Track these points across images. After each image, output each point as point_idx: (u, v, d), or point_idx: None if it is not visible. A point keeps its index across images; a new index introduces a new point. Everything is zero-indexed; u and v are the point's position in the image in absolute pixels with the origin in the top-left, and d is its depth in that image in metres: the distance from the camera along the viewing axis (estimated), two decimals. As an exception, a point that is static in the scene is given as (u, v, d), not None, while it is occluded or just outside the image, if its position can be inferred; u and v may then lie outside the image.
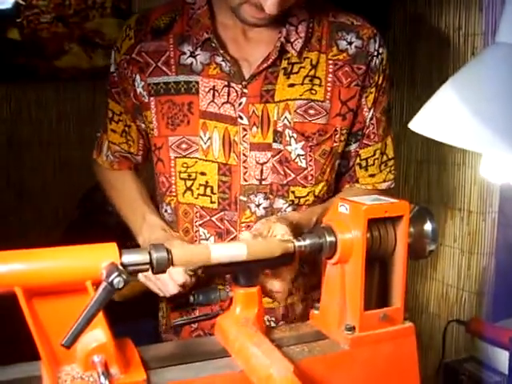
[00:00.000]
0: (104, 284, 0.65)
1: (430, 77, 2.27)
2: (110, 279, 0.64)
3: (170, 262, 0.73)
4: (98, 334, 0.70)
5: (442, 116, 0.65)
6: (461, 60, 2.13)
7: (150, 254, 0.72)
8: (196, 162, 1.18)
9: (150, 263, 0.72)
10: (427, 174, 2.34)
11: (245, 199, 1.18)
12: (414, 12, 2.34)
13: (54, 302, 0.70)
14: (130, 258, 0.71)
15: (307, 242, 0.83)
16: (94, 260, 0.69)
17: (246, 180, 1.17)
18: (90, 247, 0.71)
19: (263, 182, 1.17)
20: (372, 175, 1.29)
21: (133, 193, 1.30)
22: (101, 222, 2.77)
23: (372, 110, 1.23)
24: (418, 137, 2.45)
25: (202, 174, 1.18)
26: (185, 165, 1.19)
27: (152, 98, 1.19)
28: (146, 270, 0.72)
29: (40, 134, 2.95)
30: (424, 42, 2.29)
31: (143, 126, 1.24)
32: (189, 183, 1.19)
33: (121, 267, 0.67)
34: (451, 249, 2.24)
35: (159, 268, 0.72)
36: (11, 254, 0.68)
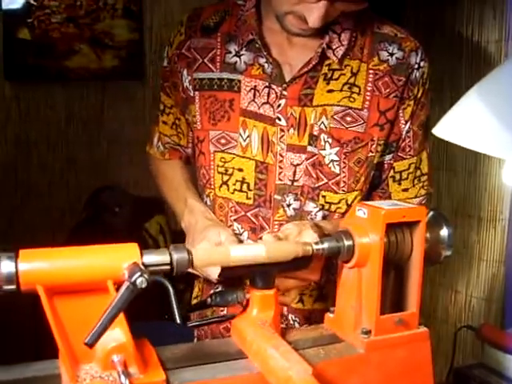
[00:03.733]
0: (127, 284, 0.65)
1: (442, 84, 2.27)
2: (133, 279, 0.65)
3: (190, 263, 0.73)
4: (118, 334, 0.70)
5: (467, 122, 0.65)
6: (474, 67, 2.14)
7: (170, 254, 0.73)
8: (233, 157, 1.21)
9: (171, 264, 0.72)
10: (437, 180, 2.34)
11: (279, 198, 1.20)
12: (426, 19, 2.34)
13: (74, 301, 0.71)
14: (151, 258, 0.71)
15: (325, 245, 0.83)
16: (116, 260, 0.70)
17: (280, 179, 1.19)
18: (112, 247, 0.71)
19: (295, 183, 1.19)
20: (405, 189, 1.28)
21: (178, 179, 1.35)
22: (107, 223, 2.78)
23: (409, 123, 1.23)
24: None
25: (240, 170, 1.21)
26: (223, 159, 1.22)
27: (197, 93, 1.23)
28: (167, 271, 0.72)
29: (48, 134, 2.96)
30: (436, 50, 2.29)
31: (189, 119, 1.28)
32: (225, 178, 1.22)
33: (143, 267, 0.67)
34: (461, 255, 2.24)
35: (179, 269, 0.73)
36: (33, 253, 0.69)
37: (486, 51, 2.09)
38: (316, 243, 0.83)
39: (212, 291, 1.27)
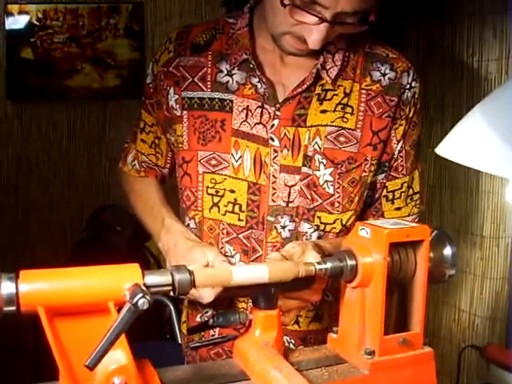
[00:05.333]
0: (128, 305, 0.64)
1: (443, 102, 2.27)
2: (135, 300, 0.64)
3: (192, 284, 0.73)
4: (119, 356, 0.70)
5: (470, 141, 0.65)
6: (474, 86, 2.14)
7: (172, 275, 0.72)
8: (225, 179, 1.19)
9: (173, 285, 0.72)
10: (439, 198, 2.34)
11: (272, 219, 1.18)
12: (427, 38, 2.35)
13: (75, 323, 0.70)
14: (153, 279, 0.71)
15: (328, 265, 0.82)
16: (117, 281, 0.69)
17: (273, 201, 1.18)
18: (113, 268, 0.71)
19: (290, 205, 1.18)
20: (398, 208, 1.28)
21: (153, 198, 1.30)
22: (109, 242, 2.78)
23: (401, 143, 1.23)
24: (429, 161, 2.44)
25: (231, 191, 1.19)
26: (213, 180, 1.19)
27: (185, 112, 1.21)
28: (169, 292, 0.72)
29: (50, 153, 2.98)
30: (437, 68, 2.30)
31: (172, 139, 1.25)
32: (216, 199, 1.20)
33: (144, 288, 0.67)
34: (464, 274, 2.22)
35: (181, 290, 0.72)
36: (34, 274, 0.68)
37: (487, 69, 2.09)
38: (319, 263, 0.83)
39: (204, 314, 1.25)
